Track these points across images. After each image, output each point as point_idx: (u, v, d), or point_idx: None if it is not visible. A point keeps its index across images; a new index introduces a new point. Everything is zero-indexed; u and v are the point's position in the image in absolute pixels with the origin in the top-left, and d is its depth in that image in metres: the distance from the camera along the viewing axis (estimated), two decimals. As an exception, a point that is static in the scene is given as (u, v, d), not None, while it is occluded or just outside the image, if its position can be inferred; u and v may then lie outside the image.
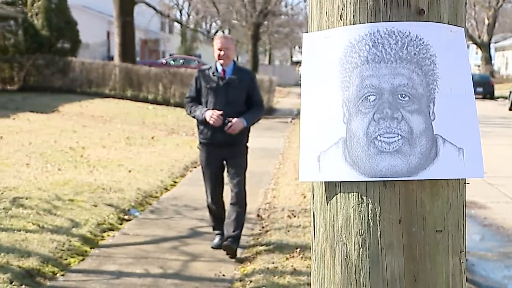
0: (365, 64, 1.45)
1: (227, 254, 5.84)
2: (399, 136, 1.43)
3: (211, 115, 5.67)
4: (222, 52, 5.81)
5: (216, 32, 52.70)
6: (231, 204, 5.96)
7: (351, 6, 1.47)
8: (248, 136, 6.05)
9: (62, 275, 5.27)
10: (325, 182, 1.51)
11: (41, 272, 5.19)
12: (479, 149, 1.49)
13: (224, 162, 6.01)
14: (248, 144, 6.09)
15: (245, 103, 5.90)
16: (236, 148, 5.95)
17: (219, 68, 5.88)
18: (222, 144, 5.83)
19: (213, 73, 5.86)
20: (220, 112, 5.66)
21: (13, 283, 4.80)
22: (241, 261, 5.81)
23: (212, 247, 6.13)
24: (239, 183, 5.98)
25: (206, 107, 5.80)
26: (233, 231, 5.83)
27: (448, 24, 1.49)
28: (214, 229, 6.26)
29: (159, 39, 50.95)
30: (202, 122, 5.80)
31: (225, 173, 6.08)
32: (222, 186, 6.10)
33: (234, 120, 5.69)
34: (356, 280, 1.46)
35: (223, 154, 5.91)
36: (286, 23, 47.79)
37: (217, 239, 6.17)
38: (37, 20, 25.70)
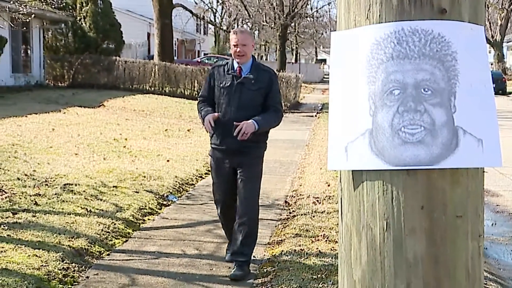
0: (390, 60, 1.43)
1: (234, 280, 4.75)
2: (422, 127, 1.41)
3: (208, 120, 4.62)
4: (238, 49, 4.69)
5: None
6: (238, 223, 4.81)
7: (377, 6, 1.45)
8: (266, 143, 4.94)
9: (108, 255, 5.32)
10: (352, 170, 1.49)
11: (89, 252, 5.25)
12: (497, 140, 1.46)
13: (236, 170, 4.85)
14: (264, 153, 4.97)
15: (262, 107, 4.75)
16: (250, 156, 4.77)
17: (235, 65, 4.77)
18: (234, 151, 4.72)
19: (228, 70, 4.78)
20: (217, 115, 4.64)
21: (64, 261, 4.87)
22: (270, 243, 5.80)
23: (227, 260, 5.08)
24: (248, 200, 4.80)
25: (218, 109, 4.75)
26: (241, 255, 4.81)
27: (468, 22, 1.46)
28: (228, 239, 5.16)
29: (194, 39, 51.06)
30: (215, 126, 4.70)
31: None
32: (235, 197, 4.87)
33: (243, 123, 4.54)
34: (381, 262, 1.44)
35: (235, 162, 4.77)
36: (311, 25, 47.61)
37: (229, 255, 5.07)
38: (85, 23, 25.97)
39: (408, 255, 1.42)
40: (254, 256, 5.32)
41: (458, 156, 1.42)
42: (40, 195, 6.79)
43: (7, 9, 12.83)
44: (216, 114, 4.66)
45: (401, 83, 1.42)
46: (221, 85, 4.76)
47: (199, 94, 5.03)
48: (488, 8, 51.15)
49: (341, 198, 1.56)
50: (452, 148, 1.42)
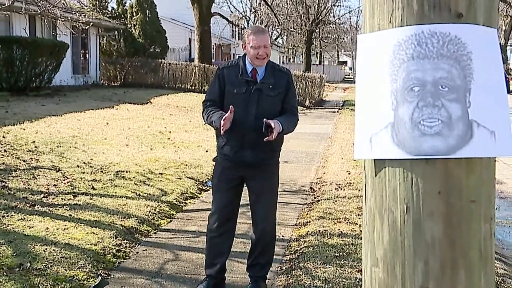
0: (411, 60, 1.41)
1: None
2: (440, 121, 1.39)
3: (224, 119, 3.45)
4: (260, 51, 3.55)
5: (276, 38, 52.27)
6: (256, 240, 3.89)
7: (399, 11, 1.42)
8: (280, 150, 3.87)
9: (155, 233, 5.38)
10: (375, 159, 1.47)
11: (138, 230, 5.31)
12: (509, 132, 1.42)
13: (245, 182, 3.83)
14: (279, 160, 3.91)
15: (280, 114, 3.68)
16: (266, 168, 3.75)
17: (249, 68, 3.64)
18: (250, 165, 3.69)
19: (240, 74, 3.62)
20: (230, 115, 3.47)
21: (117, 238, 4.94)
22: (297, 225, 5.79)
23: None
24: (266, 215, 3.79)
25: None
26: (258, 270, 3.90)
27: (483, 25, 1.43)
28: (205, 268, 3.97)
29: (230, 44, 51.05)
30: (226, 136, 3.66)
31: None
32: (236, 210, 3.92)
33: (272, 121, 3.47)
34: (401, 242, 1.42)
35: (246, 173, 3.75)
36: (334, 30, 47.23)
37: (203, 285, 3.89)
38: (135, 30, 26.26)
39: (426, 236, 1.39)
40: (282, 236, 5.31)
41: (472, 147, 1.39)
42: (96, 180, 6.90)
43: (69, 18, 13.06)
44: (230, 114, 3.47)
45: (421, 80, 1.40)
46: (235, 91, 3.62)
47: (205, 98, 3.77)
48: (495, 14, 50.04)
49: (365, 184, 1.53)
50: (467, 139, 1.39)
